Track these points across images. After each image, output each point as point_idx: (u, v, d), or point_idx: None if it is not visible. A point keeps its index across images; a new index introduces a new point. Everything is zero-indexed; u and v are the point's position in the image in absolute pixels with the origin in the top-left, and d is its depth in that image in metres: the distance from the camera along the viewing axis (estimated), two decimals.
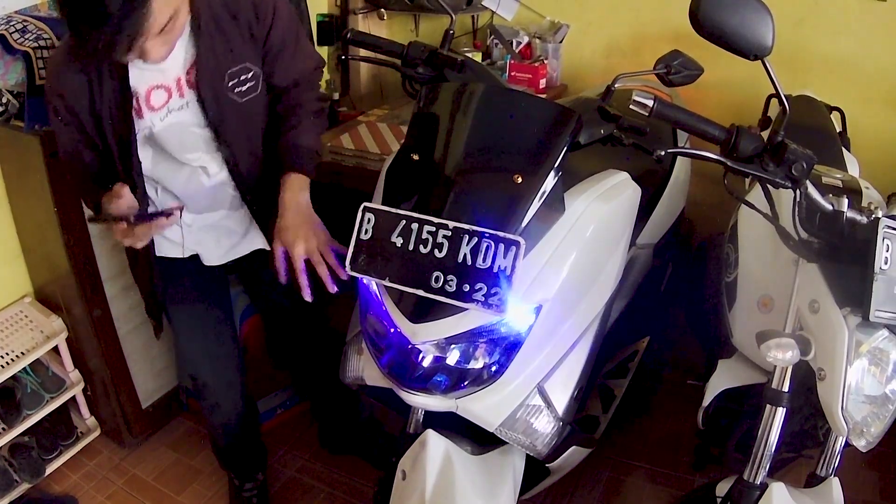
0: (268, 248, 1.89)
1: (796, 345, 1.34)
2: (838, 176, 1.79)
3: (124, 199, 1.61)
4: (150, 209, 1.82)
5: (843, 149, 2.20)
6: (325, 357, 2.21)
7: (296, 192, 1.73)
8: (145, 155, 1.75)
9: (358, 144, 2.59)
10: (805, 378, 1.43)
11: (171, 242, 1.90)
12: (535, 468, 1.71)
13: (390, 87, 3.41)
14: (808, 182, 1.30)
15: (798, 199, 1.32)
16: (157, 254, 1.89)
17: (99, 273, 2.35)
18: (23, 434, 2.39)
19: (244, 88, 1.73)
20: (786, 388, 1.43)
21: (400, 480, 1.53)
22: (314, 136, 1.83)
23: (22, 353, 2.33)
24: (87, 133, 1.70)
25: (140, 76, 1.63)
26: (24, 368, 2.37)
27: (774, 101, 2.39)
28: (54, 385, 2.46)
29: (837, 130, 2.34)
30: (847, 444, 1.45)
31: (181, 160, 1.78)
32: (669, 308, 2.52)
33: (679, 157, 2.21)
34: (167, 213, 1.59)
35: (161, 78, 1.65)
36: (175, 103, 1.69)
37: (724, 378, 1.77)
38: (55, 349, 2.44)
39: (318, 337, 2.21)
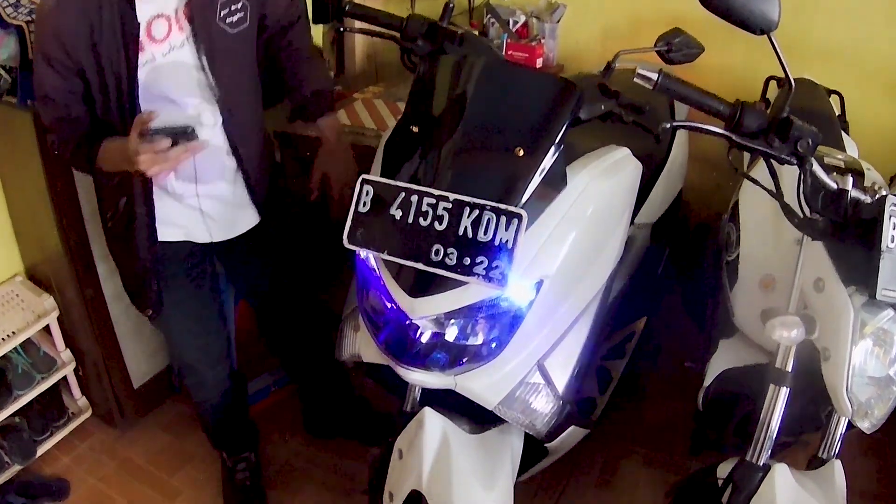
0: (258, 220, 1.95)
1: (801, 323, 1.34)
2: (840, 157, 1.78)
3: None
4: None
5: (843, 132, 2.20)
6: (314, 337, 2.21)
7: (335, 130, 1.96)
8: (144, 106, 1.70)
9: (354, 121, 2.57)
10: (808, 359, 1.42)
11: (171, 224, 1.87)
12: (533, 448, 1.70)
13: (385, 66, 3.38)
14: (812, 159, 1.28)
15: (803, 176, 1.30)
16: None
17: (91, 252, 2.32)
18: (13, 415, 2.36)
19: (234, 19, 1.74)
20: (789, 368, 1.42)
21: (396, 460, 1.52)
22: (324, 76, 1.99)
23: (13, 333, 2.31)
24: (84, 79, 1.66)
25: (141, 4, 1.62)
26: (15, 348, 2.34)
27: (773, 83, 2.39)
28: (45, 365, 2.43)
29: (837, 114, 2.34)
30: (849, 427, 1.45)
31: (179, 104, 1.73)
32: (666, 290, 2.51)
33: (677, 137, 2.20)
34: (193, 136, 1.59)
35: (162, 6, 1.65)
36: (176, 39, 1.68)
37: (725, 358, 1.77)
38: (46, 329, 2.42)
39: (307, 318, 2.21)
